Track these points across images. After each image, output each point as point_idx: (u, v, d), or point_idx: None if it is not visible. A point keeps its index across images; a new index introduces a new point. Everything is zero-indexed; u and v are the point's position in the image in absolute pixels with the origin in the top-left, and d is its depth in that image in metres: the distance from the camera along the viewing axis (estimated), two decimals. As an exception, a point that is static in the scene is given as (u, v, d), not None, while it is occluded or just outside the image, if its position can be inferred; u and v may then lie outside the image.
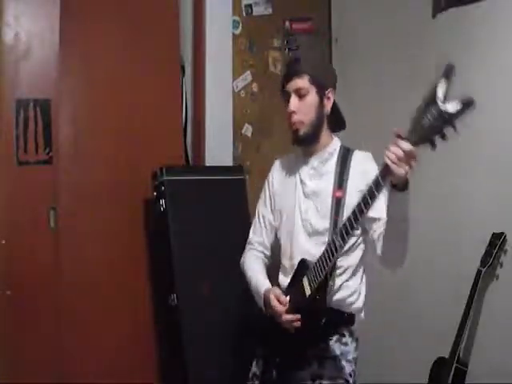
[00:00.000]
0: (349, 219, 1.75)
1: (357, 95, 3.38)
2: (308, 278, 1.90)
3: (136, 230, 2.87)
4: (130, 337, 2.78)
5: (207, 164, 3.09)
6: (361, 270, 2.03)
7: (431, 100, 1.52)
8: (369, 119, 3.30)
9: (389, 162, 1.60)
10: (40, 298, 2.49)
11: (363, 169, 1.96)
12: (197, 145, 3.14)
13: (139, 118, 2.88)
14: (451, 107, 1.49)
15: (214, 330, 2.66)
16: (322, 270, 1.84)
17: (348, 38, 3.48)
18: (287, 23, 3.42)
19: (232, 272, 2.34)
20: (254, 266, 2.15)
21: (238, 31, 3.24)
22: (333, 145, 2.06)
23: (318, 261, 1.86)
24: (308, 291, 1.90)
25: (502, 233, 2.61)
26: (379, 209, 1.81)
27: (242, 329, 2.66)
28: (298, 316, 1.89)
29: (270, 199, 2.15)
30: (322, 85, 1.99)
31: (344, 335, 1.99)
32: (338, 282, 1.95)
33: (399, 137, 1.59)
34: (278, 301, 1.94)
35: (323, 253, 1.85)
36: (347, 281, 1.98)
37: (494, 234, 2.63)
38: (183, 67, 3.13)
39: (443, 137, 1.52)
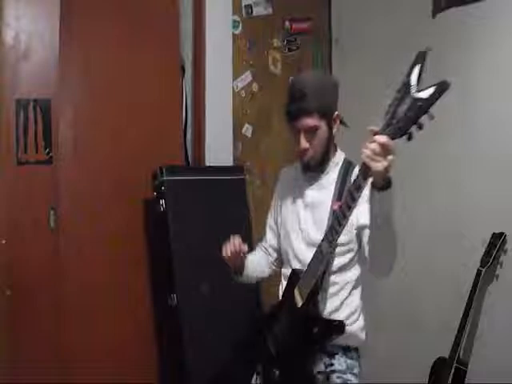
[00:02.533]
0: (332, 225, 1.74)
1: (356, 95, 3.38)
2: (299, 288, 1.90)
3: (136, 230, 2.87)
4: (130, 337, 2.78)
5: (207, 164, 3.09)
6: (360, 288, 1.99)
7: (404, 90, 1.45)
8: (368, 119, 3.30)
9: (365, 159, 1.53)
10: (40, 297, 2.49)
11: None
12: (197, 145, 3.14)
13: (139, 118, 2.88)
14: (424, 93, 1.41)
15: (213, 330, 2.66)
16: (311, 279, 1.83)
17: (348, 38, 3.49)
18: (287, 23, 3.42)
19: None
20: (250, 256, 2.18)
21: (237, 31, 3.24)
22: (336, 158, 2.02)
23: (307, 270, 1.86)
24: (299, 301, 1.88)
25: (502, 233, 2.62)
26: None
27: (241, 329, 2.66)
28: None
29: (275, 208, 2.17)
30: (331, 114, 1.94)
31: (349, 349, 1.96)
32: (337, 300, 1.93)
33: (375, 133, 1.53)
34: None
35: (311, 262, 1.85)
36: (346, 298, 1.95)
37: (494, 234, 2.63)
38: (183, 67, 3.13)
39: (420, 127, 1.43)
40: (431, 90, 1.40)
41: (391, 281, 2.98)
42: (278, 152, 3.29)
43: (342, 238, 1.82)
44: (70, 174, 2.68)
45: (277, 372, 1.97)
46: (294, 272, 1.96)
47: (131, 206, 2.85)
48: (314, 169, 1.98)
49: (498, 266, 2.65)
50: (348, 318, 1.93)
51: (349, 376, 1.93)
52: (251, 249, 2.21)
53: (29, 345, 2.44)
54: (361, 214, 1.80)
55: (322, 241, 1.80)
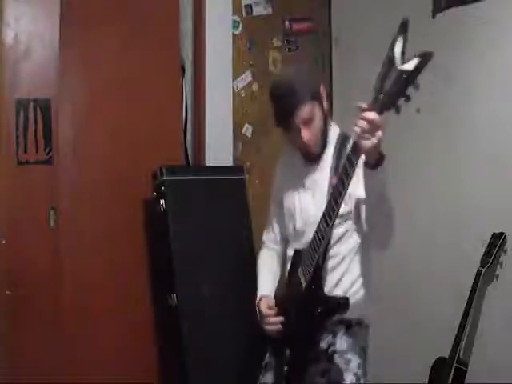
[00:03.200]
0: (329, 202, 1.75)
1: (356, 95, 3.38)
2: (302, 269, 1.91)
3: (136, 230, 2.87)
4: (130, 337, 2.78)
5: (207, 164, 3.09)
6: (358, 258, 1.98)
7: (388, 63, 1.47)
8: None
9: (355, 137, 1.55)
10: (40, 297, 2.49)
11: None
12: (197, 145, 3.14)
13: (139, 117, 2.88)
14: (409, 65, 1.42)
15: (214, 330, 2.66)
16: (313, 258, 1.84)
17: (348, 38, 3.48)
18: (287, 23, 3.42)
19: (232, 272, 2.35)
20: (262, 265, 2.17)
21: (238, 31, 3.24)
22: (332, 133, 2.02)
23: (308, 249, 1.87)
24: (304, 282, 1.90)
25: (502, 233, 2.62)
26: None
27: (241, 329, 2.66)
28: (281, 318, 1.93)
29: (276, 192, 2.17)
30: (318, 95, 1.92)
31: (351, 325, 1.97)
32: (337, 274, 1.94)
33: (363, 109, 1.53)
34: (268, 308, 1.98)
35: (311, 240, 1.85)
36: (346, 270, 1.95)
37: (494, 234, 2.63)
38: (183, 67, 3.13)
39: (407, 98, 1.45)
40: (415, 61, 1.41)
41: (391, 280, 2.99)
42: (278, 152, 3.28)
43: (346, 209, 1.87)
44: (69, 173, 2.68)
45: (287, 351, 1.98)
46: (297, 253, 1.98)
47: (131, 206, 2.85)
48: (319, 155, 1.98)
49: (498, 266, 2.65)
50: (348, 290, 1.94)
51: (349, 356, 1.94)
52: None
53: (29, 345, 2.44)
54: (357, 186, 1.78)
55: (321, 217, 1.80)
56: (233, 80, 3.21)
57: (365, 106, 1.54)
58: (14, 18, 2.46)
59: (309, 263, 1.87)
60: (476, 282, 2.59)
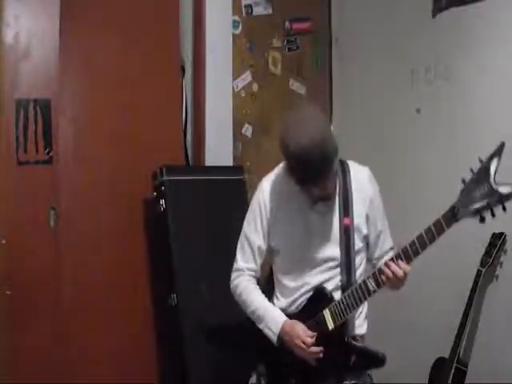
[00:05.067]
0: (374, 276, 1.81)
1: (356, 95, 3.38)
2: (331, 312, 1.88)
3: (136, 230, 2.87)
4: (130, 337, 2.78)
5: (207, 164, 3.09)
6: None
7: (484, 176, 1.61)
8: (368, 119, 3.30)
9: (386, 280, 1.78)
10: (40, 297, 2.49)
11: (364, 194, 1.96)
12: (197, 145, 3.14)
13: (139, 117, 2.88)
14: (504, 189, 1.59)
15: (213, 330, 2.66)
16: (351, 309, 1.85)
17: (348, 38, 3.48)
18: (287, 23, 3.42)
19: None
20: (255, 294, 2.02)
21: (238, 31, 3.24)
22: None
23: (347, 298, 1.85)
24: (331, 325, 1.88)
25: (502, 233, 2.61)
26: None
27: (241, 329, 2.66)
28: (322, 348, 1.88)
29: (262, 225, 2.00)
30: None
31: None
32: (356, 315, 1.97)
33: (397, 258, 1.76)
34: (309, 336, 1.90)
35: (353, 292, 1.84)
36: (362, 313, 2.00)
37: (494, 234, 2.63)
38: (183, 67, 3.13)
39: (493, 215, 1.63)
40: (510, 189, 1.58)
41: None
42: (278, 152, 3.28)
43: (360, 245, 1.96)
44: (70, 173, 2.68)
45: (294, 382, 1.96)
46: (321, 291, 1.93)
47: (131, 206, 2.85)
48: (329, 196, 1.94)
49: (498, 266, 2.65)
50: (362, 325, 2.00)
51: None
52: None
53: (29, 345, 2.44)
54: (377, 220, 1.98)
55: (368, 278, 1.82)
56: (233, 80, 3.21)
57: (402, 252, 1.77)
58: (14, 17, 2.45)
59: (344, 310, 1.86)
60: (476, 282, 2.59)
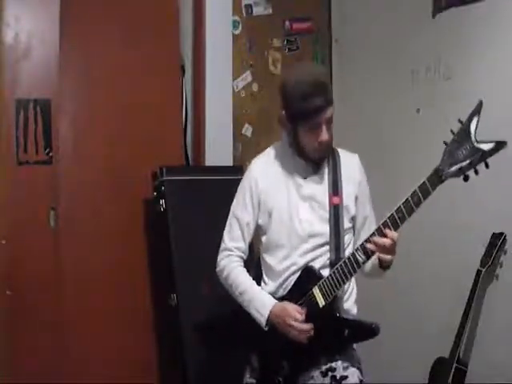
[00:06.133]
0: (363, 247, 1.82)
1: (356, 95, 3.38)
2: (321, 289, 1.88)
3: (136, 230, 2.87)
4: (130, 337, 2.78)
5: (207, 164, 3.09)
6: None
7: (465, 136, 1.64)
8: (368, 119, 3.30)
9: (377, 250, 1.77)
10: (40, 298, 2.49)
11: (353, 177, 2.01)
12: (197, 145, 3.14)
13: (139, 118, 2.88)
14: (485, 146, 1.61)
15: (213, 330, 2.66)
16: (341, 283, 1.85)
17: (348, 38, 3.48)
18: (287, 23, 3.42)
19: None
20: (243, 277, 2.04)
21: (237, 31, 3.24)
22: None
23: (336, 273, 1.85)
24: (322, 302, 1.88)
25: (502, 233, 2.61)
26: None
27: (242, 329, 2.66)
28: (312, 325, 1.88)
29: (252, 201, 2.04)
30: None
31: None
32: (346, 294, 1.98)
33: (384, 226, 1.76)
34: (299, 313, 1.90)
35: (342, 266, 1.85)
36: (352, 293, 2.01)
37: (494, 234, 2.63)
38: (183, 67, 3.14)
39: (476, 172, 1.65)
40: (491, 145, 1.61)
41: (391, 281, 2.98)
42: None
43: (349, 225, 1.98)
44: (70, 174, 2.68)
45: (286, 365, 1.96)
46: (309, 270, 1.94)
47: (131, 206, 2.85)
48: (320, 163, 1.99)
49: (498, 266, 2.65)
50: (350, 295, 1.99)
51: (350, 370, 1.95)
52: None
53: (29, 345, 2.44)
54: (364, 206, 2.02)
55: (356, 250, 1.82)
56: (233, 80, 3.21)
57: (386, 225, 1.77)
58: (14, 17, 2.46)
59: (334, 285, 1.86)
60: (476, 282, 2.59)
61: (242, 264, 2.08)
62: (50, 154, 2.54)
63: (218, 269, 2.11)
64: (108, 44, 2.82)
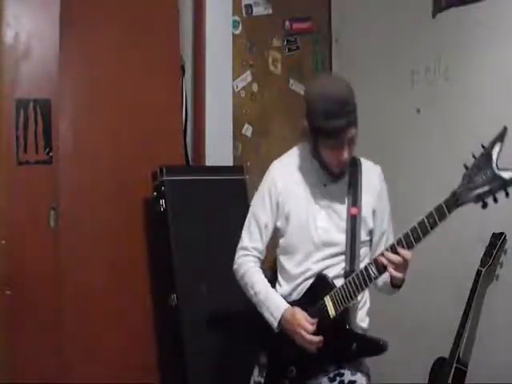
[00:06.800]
0: (376, 262, 1.82)
1: (356, 95, 3.38)
2: (333, 299, 1.88)
3: (136, 230, 2.87)
4: (130, 337, 2.78)
5: (207, 164, 3.09)
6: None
7: (486, 161, 1.62)
8: (368, 119, 3.30)
9: (389, 267, 1.77)
10: (40, 297, 2.49)
11: (373, 188, 2.00)
12: (197, 145, 3.14)
13: (139, 117, 2.88)
14: (507, 174, 1.58)
15: (213, 330, 2.66)
16: (352, 296, 1.84)
17: (348, 38, 3.48)
18: (287, 23, 3.42)
19: (232, 272, 2.33)
20: (258, 277, 2.03)
21: (237, 31, 3.24)
22: None
23: (348, 285, 1.85)
24: (332, 312, 1.88)
25: (502, 233, 2.61)
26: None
27: (242, 329, 2.66)
28: (321, 338, 1.87)
29: (271, 203, 2.02)
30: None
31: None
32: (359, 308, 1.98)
33: (398, 244, 1.76)
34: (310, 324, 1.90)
35: (354, 279, 1.84)
36: (364, 306, 2.01)
37: (494, 234, 2.63)
38: (183, 67, 3.13)
39: (495, 200, 1.63)
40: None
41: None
42: (278, 152, 3.28)
43: (366, 238, 1.97)
44: (70, 173, 2.68)
45: (294, 370, 1.96)
46: (323, 278, 1.93)
47: (131, 206, 2.85)
48: (340, 176, 1.97)
49: (498, 266, 2.65)
50: (362, 306, 2.00)
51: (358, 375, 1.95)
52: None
53: (29, 345, 2.44)
54: (382, 221, 2.00)
55: (369, 264, 1.82)
56: (233, 80, 3.21)
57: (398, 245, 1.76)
58: (14, 17, 2.45)
59: (345, 297, 1.85)
60: (476, 282, 2.59)
61: (259, 264, 2.08)
62: (50, 154, 2.54)
63: (234, 267, 2.11)
64: (108, 44, 2.82)
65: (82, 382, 2.59)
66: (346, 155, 1.87)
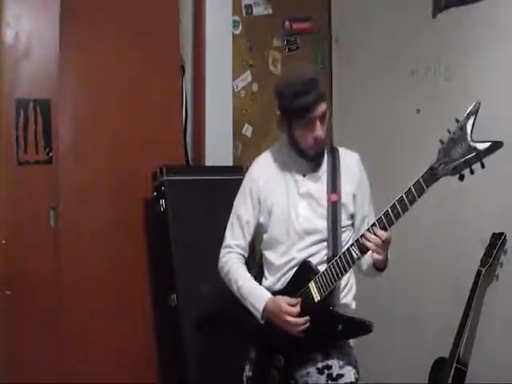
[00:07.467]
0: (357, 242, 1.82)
1: (356, 95, 3.38)
2: (317, 283, 1.90)
3: (136, 229, 2.87)
4: (130, 337, 2.78)
5: (207, 164, 3.09)
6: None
7: (461, 135, 1.62)
8: (368, 119, 3.30)
9: (371, 247, 1.77)
10: (40, 297, 2.49)
11: (352, 175, 2.03)
12: (197, 145, 3.14)
13: (139, 117, 2.88)
14: (481, 145, 1.59)
15: (213, 330, 2.66)
16: (336, 278, 1.86)
17: (348, 38, 3.49)
18: (287, 23, 3.42)
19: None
20: (241, 272, 2.07)
21: (237, 31, 3.24)
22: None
23: (332, 268, 1.87)
24: (317, 296, 1.90)
25: (502, 233, 2.62)
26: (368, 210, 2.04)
27: (242, 329, 2.66)
28: (308, 318, 1.89)
29: (253, 200, 2.08)
30: (326, 95, 1.99)
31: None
32: (343, 290, 1.99)
33: (376, 224, 1.76)
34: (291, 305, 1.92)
35: (337, 261, 1.86)
36: (350, 290, 2.02)
37: (494, 234, 2.63)
38: (183, 67, 3.13)
39: (472, 172, 1.63)
40: (487, 145, 1.58)
41: (391, 281, 2.98)
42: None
43: (347, 222, 2.00)
44: (70, 173, 2.68)
45: (281, 359, 1.97)
46: (306, 264, 1.95)
47: (131, 206, 2.85)
48: (318, 159, 2.01)
49: (498, 266, 2.65)
50: (348, 291, 2.01)
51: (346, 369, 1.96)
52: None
53: (29, 345, 2.44)
54: (363, 205, 2.02)
55: (352, 246, 1.83)
56: (233, 80, 3.21)
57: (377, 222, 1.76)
58: (14, 17, 2.45)
59: (329, 280, 1.87)
60: (476, 282, 2.60)
61: (243, 261, 2.12)
62: (50, 154, 2.54)
63: (219, 265, 2.15)
64: (108, 44, 2.81)
65: (82, 382, 2.59)
66: (319, 131, 1.91)
